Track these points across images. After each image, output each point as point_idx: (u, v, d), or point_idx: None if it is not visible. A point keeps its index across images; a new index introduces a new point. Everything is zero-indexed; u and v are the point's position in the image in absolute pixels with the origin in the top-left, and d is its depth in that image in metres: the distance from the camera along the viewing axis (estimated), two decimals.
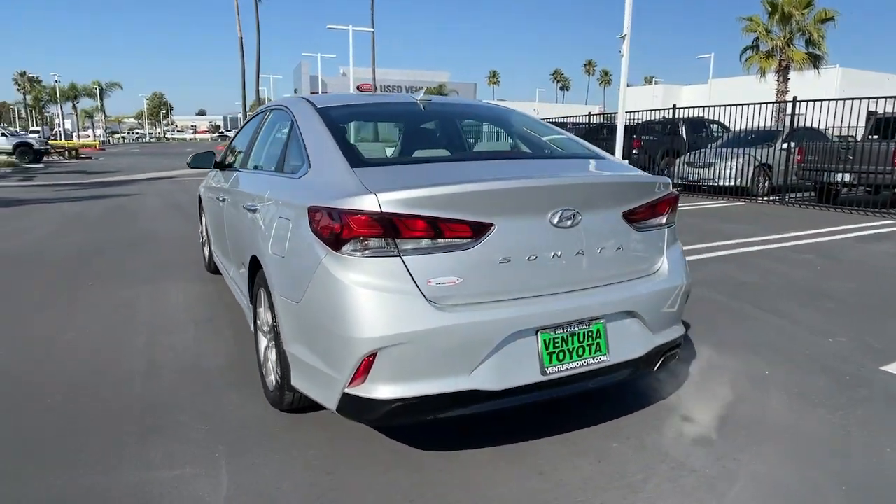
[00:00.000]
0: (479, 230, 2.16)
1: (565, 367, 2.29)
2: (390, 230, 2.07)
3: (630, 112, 14.89)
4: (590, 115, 16.02)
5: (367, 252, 2.09)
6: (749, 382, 3.20)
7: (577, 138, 3.25)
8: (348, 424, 2.59)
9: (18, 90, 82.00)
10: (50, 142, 36.07)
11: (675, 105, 14.19)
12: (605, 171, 2.77)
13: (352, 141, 3.07)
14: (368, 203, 2.07)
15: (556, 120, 19.70)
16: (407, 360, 2.08)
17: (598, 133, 16.23)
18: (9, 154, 27.63)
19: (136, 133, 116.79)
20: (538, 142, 3.30)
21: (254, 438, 2.62)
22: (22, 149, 28.12)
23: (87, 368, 3.41)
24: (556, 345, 2.28)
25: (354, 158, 2.47)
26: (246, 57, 38.37)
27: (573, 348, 2.32)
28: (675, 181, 14.31)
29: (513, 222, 2.22)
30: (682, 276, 2.71)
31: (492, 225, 2.18)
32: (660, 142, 15.09)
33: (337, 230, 2.11)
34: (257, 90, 39.40)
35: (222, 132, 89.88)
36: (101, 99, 73.65)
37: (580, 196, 2.37)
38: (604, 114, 16.22)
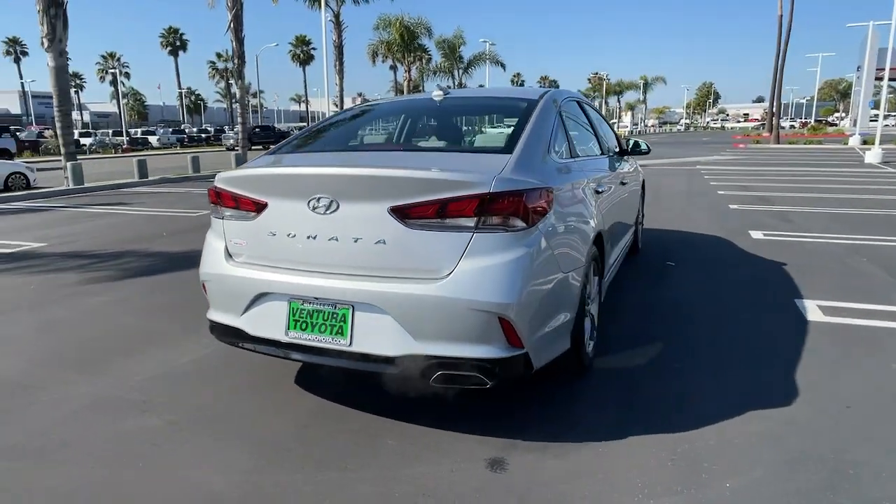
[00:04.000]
0: (259, 207, 2.68)
1: (304, 336, 2.55)
2: (218, 200, 2.87)
3: None
4: None
5: (214, 215, 2.95)
6: None
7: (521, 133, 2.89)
8: None
9: (589, 88, 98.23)
10: None
11: None
12: (395, 164, 2.68)
13: (363, 132, 3.72)
14: (216, 179, 2.92)
15: None
16: (213, 293, 2.87)
17: None
18: None
19: (667, 122, 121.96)
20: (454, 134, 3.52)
21: None
22: None
23: None
24: (301, 315, 2.56)
25: (280, 146, 3.26)
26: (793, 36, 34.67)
27: (316, 323, 2.53)
28: None
29: (281, 203, 2.62)
30: (482, 293, 2.32)
31: (266, 204, 2.66)
32: None
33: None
34: (778, 73, 35.56)
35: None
36: (645, 92, 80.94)
37: (338, 186, 2.48)
38: None
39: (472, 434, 2.62)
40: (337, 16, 25.94)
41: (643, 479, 2.29)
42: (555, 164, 2.92)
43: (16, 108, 65.51)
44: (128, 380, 3.24)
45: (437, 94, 3.54)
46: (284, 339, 2.60)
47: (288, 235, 2.61)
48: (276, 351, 2.69)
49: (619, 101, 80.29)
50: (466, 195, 2.35)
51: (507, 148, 2.75)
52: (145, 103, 78.85)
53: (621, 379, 3.17)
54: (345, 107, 26.00)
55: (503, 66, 38.44)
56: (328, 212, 2.51)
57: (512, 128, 3.20)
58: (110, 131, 44.98)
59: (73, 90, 76.89)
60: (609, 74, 79.11)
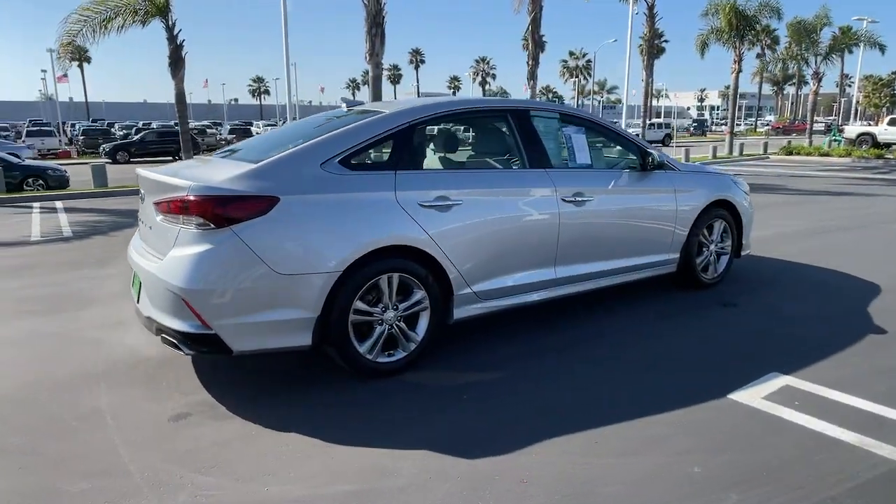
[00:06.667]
0: (142, 199, 3.73)
1: (133, 294, 3.51)
2: None
3: None
4: None
5: None
6: None
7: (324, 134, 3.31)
8: None
9: None
10: None
11: None
12: (175, 170, 3.32)
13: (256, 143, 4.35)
14: None
15: None
16: None
17: None
18: None
19: None
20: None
21: None
22: None
23: None
24: (135, 278, 3.52)
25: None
26: None
27: (135, 285, 3.45)
28: None
29: (145, 197, 3.61)
30: (172, 277, 2.89)
31: (144, 196, 3.69)
32: None
33: None
34: None
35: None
36: None
37: (144, 186, 3.36)
38: None
39: (208, 392, 3.21)
40: (651, 7, 24.86)
41: (251, 461, 2.57)
42: (321, 175, 3.13)
43: None
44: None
45: (343, 108, 4.01)
46: (133, 294, 3.63)
47: (140, 221, 3.62)
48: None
49: None
50: (174, 197, 2.97)
51: (261, 157, 3.19)
52: None
53: (412, 391, 3.20)
54: (650, 102, 24.96)
55: (882, 48, 30.35)
56: (143, 203, 3.42)
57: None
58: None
59: (451, 90, 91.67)
60: None
